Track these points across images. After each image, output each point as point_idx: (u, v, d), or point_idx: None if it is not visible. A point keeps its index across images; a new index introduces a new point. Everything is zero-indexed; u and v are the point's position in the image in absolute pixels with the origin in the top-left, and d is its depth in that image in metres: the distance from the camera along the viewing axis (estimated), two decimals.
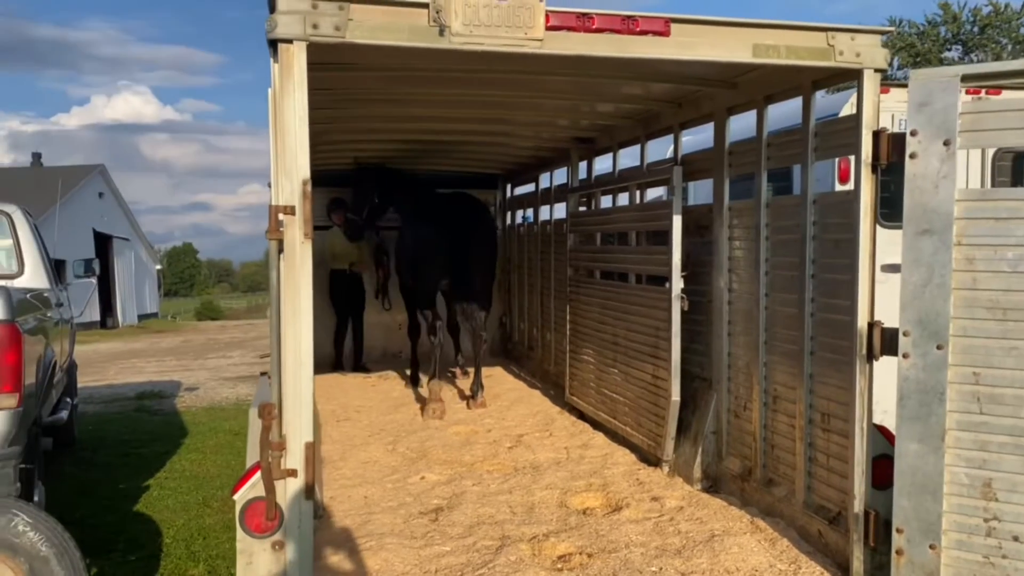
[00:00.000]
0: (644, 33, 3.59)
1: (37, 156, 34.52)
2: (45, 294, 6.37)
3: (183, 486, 6.81)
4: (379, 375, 9.68)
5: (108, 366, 16.02)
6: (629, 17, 3.57)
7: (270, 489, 3.31)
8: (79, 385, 9.07)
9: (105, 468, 7.47)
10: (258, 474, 3.33)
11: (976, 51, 22.70)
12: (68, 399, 7.27)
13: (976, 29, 23.50)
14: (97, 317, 27.82)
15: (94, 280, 7.88)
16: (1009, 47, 22.60)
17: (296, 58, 3.29)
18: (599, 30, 3.55)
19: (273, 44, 3.31)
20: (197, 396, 11.80)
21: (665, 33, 3.60)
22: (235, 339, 22.72)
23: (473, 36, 3.42)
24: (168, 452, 8.03)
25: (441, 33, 3.38)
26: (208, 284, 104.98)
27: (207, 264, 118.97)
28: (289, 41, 3.28)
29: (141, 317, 34.13)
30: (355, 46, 3.37)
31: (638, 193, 6.77)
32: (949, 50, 23.71)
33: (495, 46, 3.47)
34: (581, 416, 7.29)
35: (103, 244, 29.58)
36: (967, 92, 3.71)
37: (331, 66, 4.19)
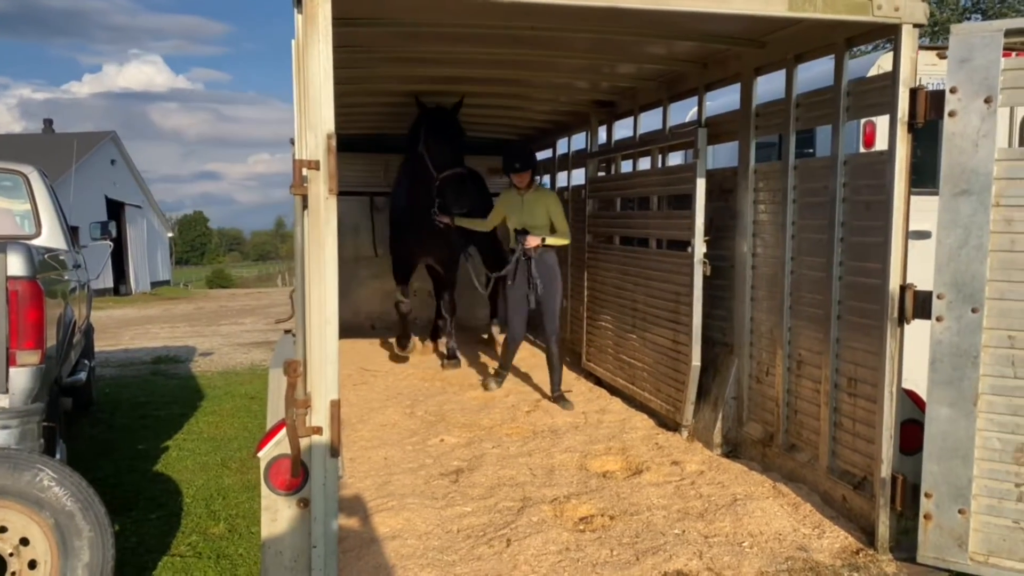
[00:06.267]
0: None
1: (49, 122, 34.43)
2: (62, 256, 6.35)
3: (201, 447, 6.84)
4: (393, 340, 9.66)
5: (122, 332, 16.09)
6: None
7: (295, 446, 3.29)
8: (95, 349, 9.10)
9: (123, 430, 7.50)
10: (283, 431, 3.31)
11: (995, 19, 22.27)
12: (86, 361, 7.28)
13: None
14: (110, 284, 27.95)
15: (110, 243, 7.84)
16: None
17: (321, 8, 3.20)
18: None
19: None
20: (212, 361, 11.84)
21: None
22: (247, 306, 22.79)
23: None
24: (185, 415, 8.06)
25: None
26: (219, 253, 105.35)
27: (218, 233, 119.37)
28: None
29: (154, 284, 34.28)
30: None
31: (660, 158, 6.68)
32: (968, 18, 23.29)
33: None
34: (598, 382, 7.27)
35: (115, 211, 29.60)
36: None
37: (347, 21, 4.10)
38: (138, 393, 9.23)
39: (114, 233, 8.02)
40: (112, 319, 18.75)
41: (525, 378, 7.53)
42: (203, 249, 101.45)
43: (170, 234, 44.25)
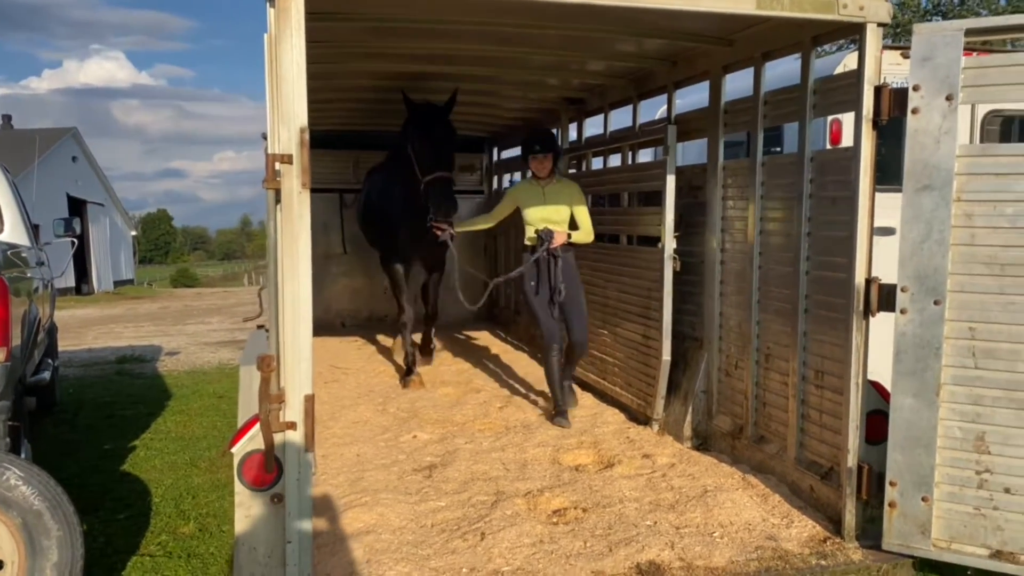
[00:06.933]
0: None
1: (8, 118, 33.64)
2: (24, 253, 6.23)
3: (169, 447, 6.76)
4: (364, 338, 9.63)
5: (85, 331, 15.82)
6: None
7: (269, 442, 3.27)
8: (59, 349, 8.95)
9: (88, 430, 7.39)
10: (257, 427, 3.29)
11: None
12: (49, 360, 7.16)
13: (956, 0, 23.60)
14: (72, 283, 27.42)
15: (74, 240, 7.71)
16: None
17: (293, 1, 3.19)
18: None
19: None
20: (178, 360, 11.69)
21: None
22: (213, 305, 22.51)
23: None
24: (152, 414, 7.96)
25: None
26: (183, 252, 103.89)
27: (182, 231, 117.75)
28: None
29: (117, 283, 33.68)
30: None
31: (630, 155, 6.73)
32: (929, 20, 23.79)
33: None
34: None
35: (77, 209, 28.99)
36: None
37: (318, 15, 4.08)
38: (103, 393, 9.09)
39: (78, 230, 7.89)
40: (75, 318, 18.42)
41: (496, 374, 7.54)
42: (167, 248, 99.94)
43: (133, 232, 43.53)
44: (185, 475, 5.98)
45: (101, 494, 5.53)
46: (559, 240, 5.80)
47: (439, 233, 6.25)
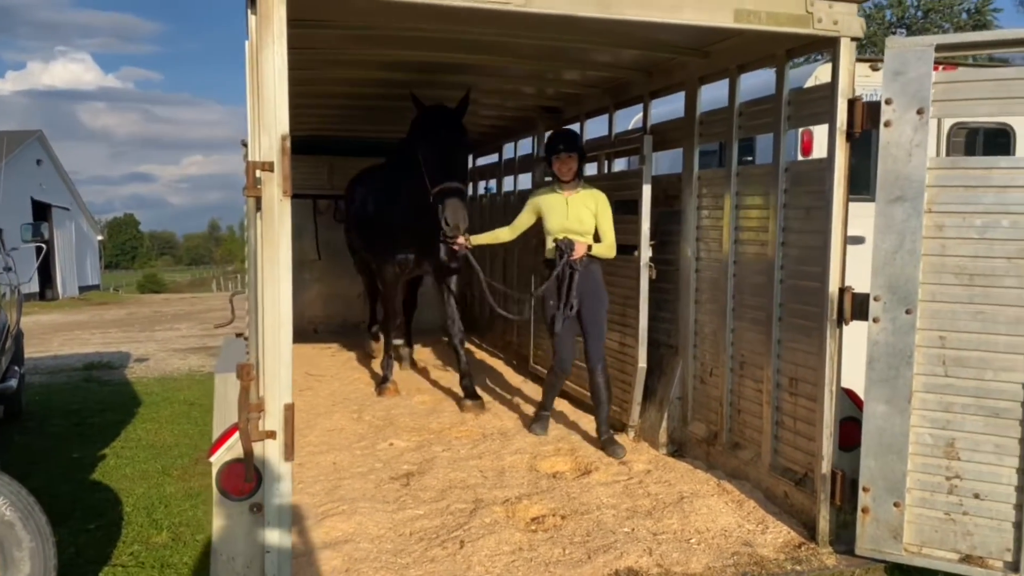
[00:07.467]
0: None
1: None
2: None
3: (140, 455, 6.65)
4: (338, 345, 9.59)
5: (51, 337, 15.52)
6: None
7: (248, 451, 3.25)
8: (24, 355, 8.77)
9: (56, 438, 7.25)
10: (236, 436, 3.27)
11: (919, 35, 23.29)
12: (16, 367, 7.03)
13: (920, 13, 24.13)
14: (36, 288, 26.90)
15: (43, 245, 7.58)
16: (951, 31, 23.25)
17: (276, 10, 3.19)
18: None
19: None
20: (148, 367, 11.52)
21: None
22: (182, 311, 22.21)
23: None
24: (122, 421, 7.82)
25: None
26: (151, 256, 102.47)
27: (149, 236, 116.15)
28: None
29: (82, 289, 33.10)
30: None
31: (606, 163, 6.78)
32: (894, 33, 24.27)
33: (481, 3, 3.41)
34: None
35: (42, 213, 28.52)
36: None
37: (296, 23, 4.07)
38: (70, 400, 8.92)
39: (47, 235, 7.77)
40: (39, 325, 18.07)
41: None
42: (134, 253, 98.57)
43: (99, 237, 42.85)
44: (157, 484, 5.89)
45: (71, 503, 5.43)
46: (579, 251, 5.44)
47: (455, 248, 5.92)
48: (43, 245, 7.59)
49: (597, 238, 5.58)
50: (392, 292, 7.33)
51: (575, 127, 7.16)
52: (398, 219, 6.90)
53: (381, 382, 7.21)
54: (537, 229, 5.83)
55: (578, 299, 5.48)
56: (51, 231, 28.49)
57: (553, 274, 5.48)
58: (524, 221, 5.83)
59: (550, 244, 5.60)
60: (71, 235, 32.97)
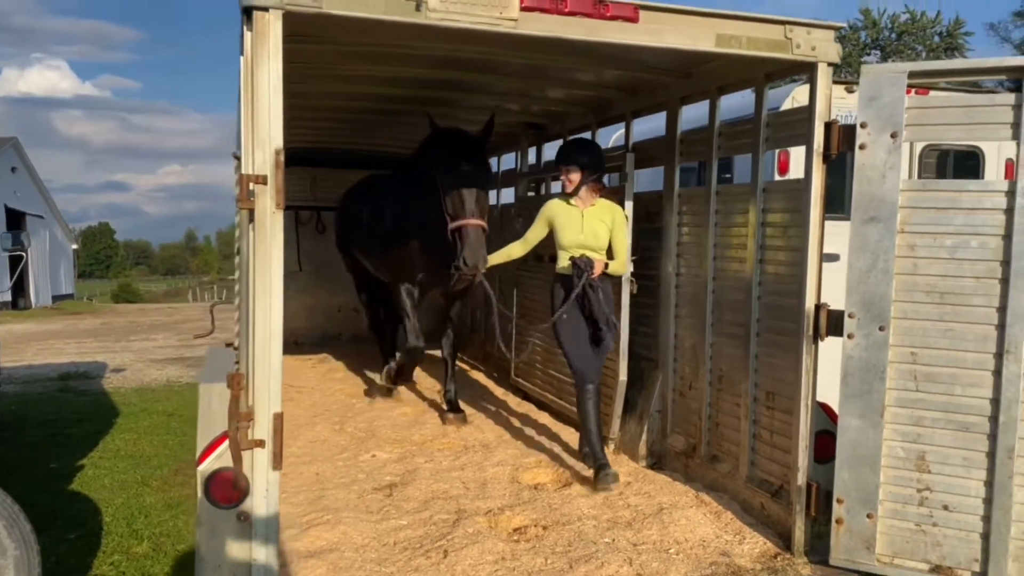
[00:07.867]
0: (614, 18, 3.68)
1: None
2: None
3: (119, 465, 6.63)
4: (319, 357, 9.59)
5: (24, 347, 15.35)
6: (600, 1, 3.65)
7: (237, 459, 3.29)
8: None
9: (32, 448, 7.20)
10: (224, 444, 3.30)
11: (893, 56, 23.82)
12: None
13: (894, 35, 24.65)
14: (8, 297, 26.56)
15: (23, 254, 7.54)
16: (924, 54, 23.77)
17: (272, 27, 3.26)
18: (571, 13, 3.62)
19: (247, 11, 3.27)
20: (125, 377, 11.44)
21: (634, 19, 3.70)
22: (158, 322, 22.04)
23: (449, 13, 3.45)
24: (100, 432, 7.79)
25: (418, 8, 3.40)
26: (125, 266, 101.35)
27: (124, 245, 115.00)
28: (265, 9, 3.25)
29: (56, 298, 32.71)
30: (330, 17, 3.36)
31: None
32: (868, 54, 24.78)
33: (470, 23, 3.50)
34: (526, 397, 7.39)
35: (16, 221, 28.20)
36: None
37: (292, 39, 4.14)
38: (46, 410, 8.85)
39: (28, 243, 7.72)
40: (12, 334, 17.85)
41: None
42: (109, 262, 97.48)
43: (74, 246, 42.37)
44: (137, 494, 5.88)
45: (51, 514, 5.41)
46: (598, 270, 5.13)
47: (466, 277, 5.64)
48: (23, 254, 7.54)
49: (610, 254, 5.33)
50: (407, 311, 6.84)
51: (558, 143, 7.26)
52: (413, 241, 6.52)
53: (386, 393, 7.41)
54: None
55: (596, 320, 5.18)
56: (29, 240, 28.26)
57: (573, 294, 5.12)
58: (537, 234, 5.50)
59: (564, 261, 5.27)
60: (45, 243, 32.57)
